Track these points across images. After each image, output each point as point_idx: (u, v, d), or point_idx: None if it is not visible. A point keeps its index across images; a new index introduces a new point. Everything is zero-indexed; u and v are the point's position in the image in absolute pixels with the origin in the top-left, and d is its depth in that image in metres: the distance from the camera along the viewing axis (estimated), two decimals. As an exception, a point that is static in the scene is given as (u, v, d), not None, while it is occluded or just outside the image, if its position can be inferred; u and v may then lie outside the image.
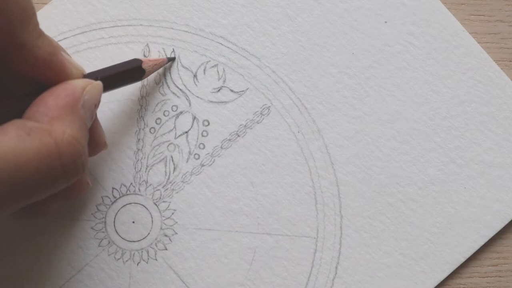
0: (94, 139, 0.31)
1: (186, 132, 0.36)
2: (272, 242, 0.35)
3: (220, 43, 0.36)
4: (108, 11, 0.36)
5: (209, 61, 0.36)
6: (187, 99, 0.36)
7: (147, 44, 0.36)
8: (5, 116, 0.26)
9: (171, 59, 0.36)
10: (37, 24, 0.27)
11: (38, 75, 0.28)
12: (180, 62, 0.36)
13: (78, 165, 0.26)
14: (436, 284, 0.35)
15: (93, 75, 0.30)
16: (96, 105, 0.29)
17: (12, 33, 0.26)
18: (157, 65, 0.34)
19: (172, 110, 0.36)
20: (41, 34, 0.27)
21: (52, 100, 0.27)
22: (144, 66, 0.33)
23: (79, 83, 0.28)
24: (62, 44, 0.36)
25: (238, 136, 0.36)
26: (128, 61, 0.33)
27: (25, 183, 0.24)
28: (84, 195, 0.35)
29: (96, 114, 0.31)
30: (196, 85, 0.36)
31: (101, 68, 0.31)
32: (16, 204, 0.25)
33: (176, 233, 0.35)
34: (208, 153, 0.36)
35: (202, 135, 0.36)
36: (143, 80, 0.36)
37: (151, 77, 0.36)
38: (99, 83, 0.29)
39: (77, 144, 0.26)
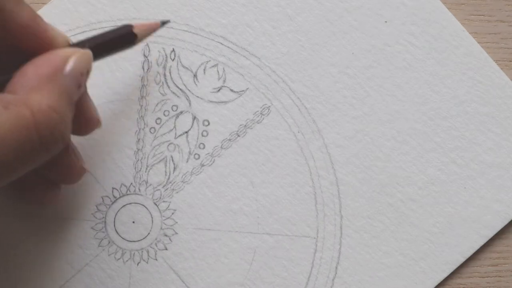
0: (85, 116, 0.30)
1: (186, 132, 0.36)
2: (272, 242, 0.35)
3: (220, 43, 0.36)
4: (108, 10, 0.36)
5: (209, 60, 0.36)
6: (187, 99, 0.36)
7: (147, 43, 0.36)
8: None
9: (165, 22, 0.34)
10: None
11: (20, 43, 0.27)
12: (180, 62, 0.36)
13: (56, 136, 0.25)
14: (436, 284, 0.35)
15: (81, 44, 0.29)
16: (83, 74, 0.28)
17: None
18: (150, 29, 0.33)
19: (172, 110, 0.36)
20: (20, 0, 0.26)
21: (32, 70, 0.26)
22: (135, 30, 0.32)
23: (63, 52, 0.27)
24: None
25: (238, 136, 0.36)
26: (118, 27, 0.31)
27: (3, 157, 0.24)
28: (84, 194, 0.35)
29: (86, 89, 0.30)
30: (196, 85, 0.36)
31: (90, 37, 0.30)
32: None
33: (176, 233, 0.35)
34: (208, 153, 0.36)
35: (202, 135, 0.36)
36: (142, 80, 0.36)
37: (151, 77, 0.36)
38: (87, 52, 0.28)
39: (54, 114, 0.25)
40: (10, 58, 0.27)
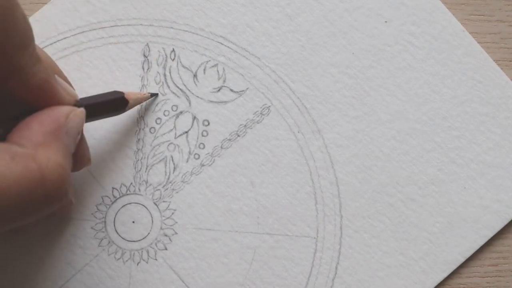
0: (78, 156, 0.31)
1: (186, 132, 0.36)
2: (272, 242, 0.35)
3: (220, 43, 0.36)
4: (108, 10, 0.36)
5: (209, 60, 0.36)
6: (187, 99, 0.36)
7: (147, 43, 0.36)
8: None
9: (154, 95, 0.35)
10: (34, 49, 0.27)
11: (30, 100, 0.27)
12: (180, 61, 0.36)
13: (61, 192, 0.26)
14: (436, 284, 0.35)
15: (79, 103, 0.30)
16: (79, 133, 0.29)
17: (10, 57, 0.25)
18: (140, 98, 0.34)
19: (172, 110, 0.36)
20: (37, 60, 0.27)
21: (37, 125, 0.27)
22: (127, 97, 0.33)
23: (63, 109, 0.28)
24: (62, 44, 0.36)
25: (238, 136, 0.36)
26: (110, 92, 0.33)
27: (6, 208, 0.24)
28: (84, 194, 0.35)
29: (82, 132, 0.31)
30: (196, 84, 0.36)
31: (83, 97, 0.31)
32: None
33: (176, 233, 0.35)
34: (208, 153, 0.36)
35: (202, 135, 0.36)
36: (143, 79, 0.36)
37: (151, 77, 0.36)
38: (82, 110, 0.29)
39: (62, 171, 0.26)
40: (12, 109, 0.28)
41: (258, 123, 0.36)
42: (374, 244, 0.35)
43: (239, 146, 0.36)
